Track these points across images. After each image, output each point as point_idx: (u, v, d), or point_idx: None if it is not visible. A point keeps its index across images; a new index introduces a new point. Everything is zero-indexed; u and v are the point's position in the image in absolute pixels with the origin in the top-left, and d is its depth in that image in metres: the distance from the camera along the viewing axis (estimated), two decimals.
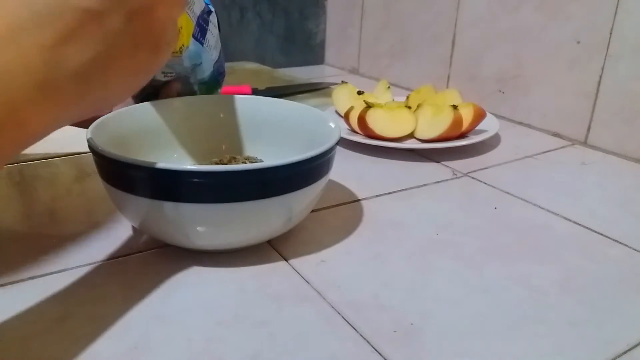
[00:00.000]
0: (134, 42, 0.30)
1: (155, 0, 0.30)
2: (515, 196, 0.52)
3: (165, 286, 0.36)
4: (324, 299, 0.36)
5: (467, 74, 0.82)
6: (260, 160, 0.48)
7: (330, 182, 0.45)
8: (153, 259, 0.40)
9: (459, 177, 0.57)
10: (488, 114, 0.67)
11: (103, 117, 0.41)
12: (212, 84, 0.56)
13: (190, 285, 0.37)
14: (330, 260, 0.40)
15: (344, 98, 0.70)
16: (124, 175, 0.36)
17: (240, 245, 0.40)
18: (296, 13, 1.09)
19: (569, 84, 0.68)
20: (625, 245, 0.44)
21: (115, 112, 0.43)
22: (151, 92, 0.50)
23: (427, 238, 0.44)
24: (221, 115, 0.50)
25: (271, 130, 0.49)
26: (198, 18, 0.49)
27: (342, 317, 0.34)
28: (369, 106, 0.62)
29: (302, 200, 0.39)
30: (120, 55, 0.29)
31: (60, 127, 0.29)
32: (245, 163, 0.48)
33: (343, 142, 0.63)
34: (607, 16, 0.63)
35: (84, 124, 0.39)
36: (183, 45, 0.46)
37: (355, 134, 0.64)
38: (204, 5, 0.51)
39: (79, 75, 0.28)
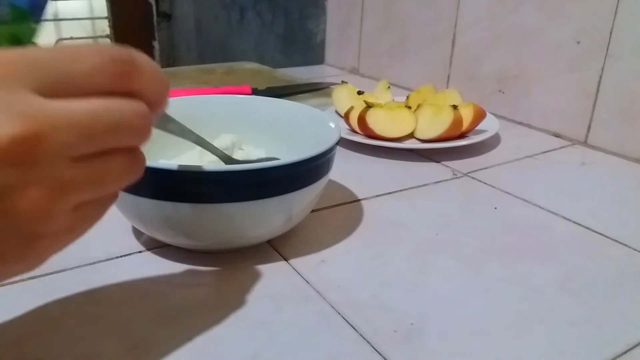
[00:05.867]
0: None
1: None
2: (515, 196, 0.52)
3: (165, 286, 0.36)
4: (324, 299, 0.36)
5: (467, 74, 0.82)
6: (259, 161, 0.48)
7: (330, 182, 0.45)
8: (153, 259, 0.40)
9: (459, 177, 0.57)
10: (488, 114, 0.67)
11: None
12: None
13: (190, 285, 0.37)
14: (330, 260, 0.40)
15: (344, 98, 0.70)
16: None
17: (240, 245, 0.40)
18: (296, 13, 1.09)
19: (569, 84, 0.68)
20: (625, 245, 0.44)
21: None
22: None
23: (427, 238, 0.44)
24: (221, 115, 0.50)
25: (271, 130, 0.49)
26: None
27: (342, 317, 0.34)
28: (369, 106, 0.62)
29: (302, 200, 0.39)
30: None
31: None
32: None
33: (343, 142, 0.63)
34: (607, 16, 0.63)
35: None
36: None
37: (355, 134, 0.64)
38: None
39: None
